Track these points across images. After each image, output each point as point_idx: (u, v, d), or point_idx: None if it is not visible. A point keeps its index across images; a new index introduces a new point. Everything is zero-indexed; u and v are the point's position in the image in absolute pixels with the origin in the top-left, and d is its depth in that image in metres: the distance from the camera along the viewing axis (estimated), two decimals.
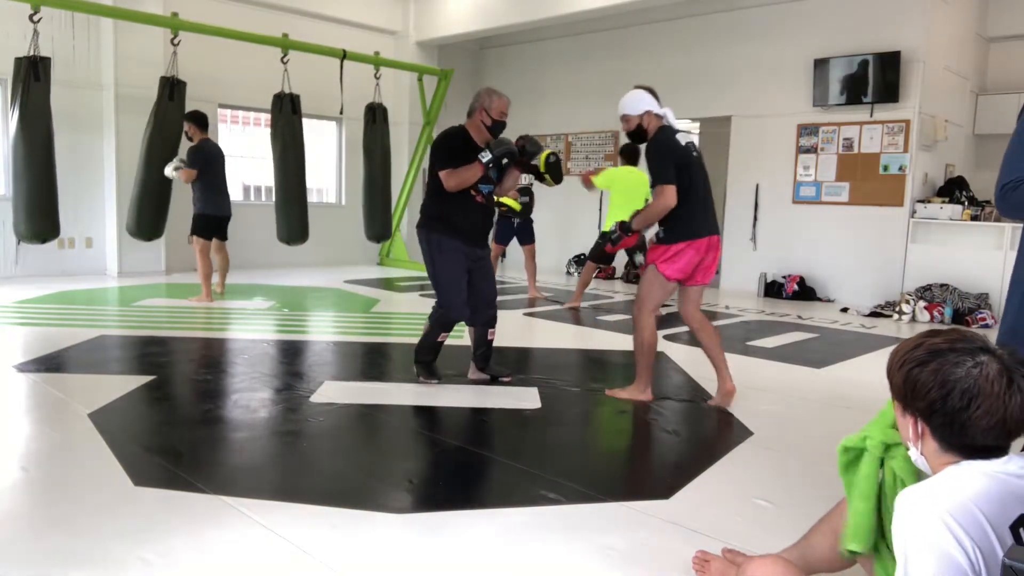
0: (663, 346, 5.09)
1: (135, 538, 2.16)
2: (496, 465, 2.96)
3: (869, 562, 1.63)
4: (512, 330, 5.79)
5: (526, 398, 3.85)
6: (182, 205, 7.35)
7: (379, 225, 8.96)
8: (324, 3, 9.78)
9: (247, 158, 9.60)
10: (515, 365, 4.55)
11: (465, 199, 3.91)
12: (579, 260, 9.94)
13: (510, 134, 4.00)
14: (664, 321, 5.98)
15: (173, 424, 3.36)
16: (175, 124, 7.02)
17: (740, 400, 3.88)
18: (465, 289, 3.98)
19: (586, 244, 7.23)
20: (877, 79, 7.72)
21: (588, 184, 6.63)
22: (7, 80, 6.87)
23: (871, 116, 7.90)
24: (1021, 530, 1.19)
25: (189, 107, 6.92)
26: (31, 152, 6.40)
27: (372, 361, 4.88)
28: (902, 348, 1.37)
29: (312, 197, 9.55)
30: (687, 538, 2.28)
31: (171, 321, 5.76)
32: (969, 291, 7.23)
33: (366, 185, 8.87)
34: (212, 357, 4.74)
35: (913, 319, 7.13)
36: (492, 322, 4.12)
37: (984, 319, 6.91)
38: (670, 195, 3.56)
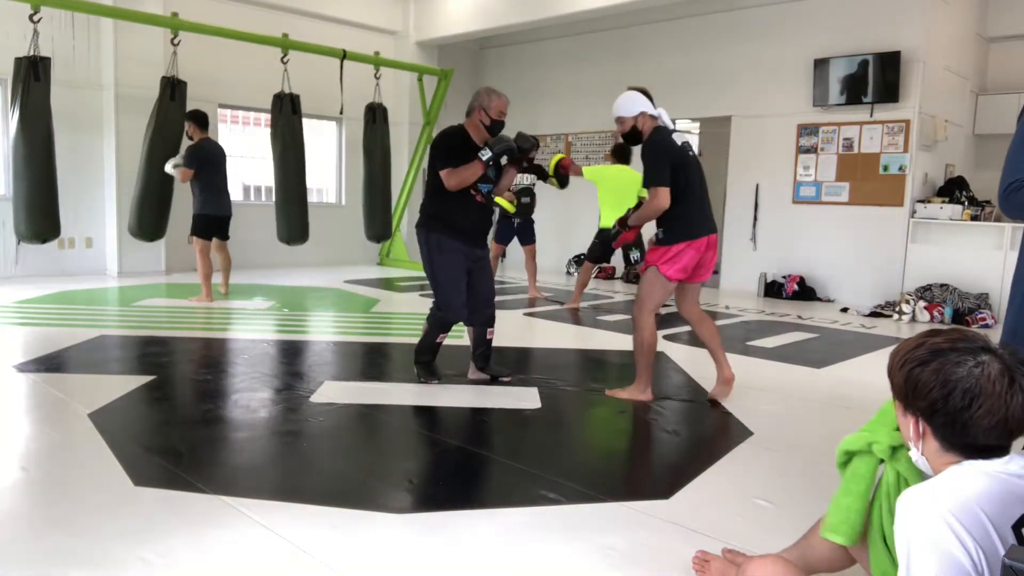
0: (663, 346, 5.09)
1: (135, 538, 2.16)
2: (496, 465, 2.96)
3: (867, 560, 1.63)
4: (512, 330, 5.79)
5: (526, 398, 3.85)
6: (182, 205, 7.35)
7: (379, 225, 8.96)
8: (324, 3, 9.78)
9: (247, 158, 9.60)
10: (515, 365, 4.55)
11: (465, 199, 3.91)
12: (579, 260, 9.94)
13: (508, 133, 4.00)
14: (664, 321, 5.98)
15: (173, 424, 3.36)
16: (176, 124, 7.02)
17: (740, 400, 3.89)
18: (464, 290, 3.98)
19: (586, 244, 7.23)
20: (877, 79, 7.72)
21: (577, 171, 6.59)
22: (7, 80, 6.87)
23: (871, 116, 7.90)
24: (1023, 530, 1.19)
25: (189, 107, 6.92)
26: (31, 152, 6.40)
27: (372, 361, 4.88)
28: (903, 348, 1.37)
29: (312, 197, 9.55)
30: (687, 538, 2.28)
31: (171, 321, 5.76)
32: (969, 291, 7.23)
33: (366, 185, 8.87)
34: (212, 357, 4.73)
35: (913, 319, 7.13)
36: (491, 321, 4.12)
37: (984, 319, 6.91)
38: (664, 197, 3.59)
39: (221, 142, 7.19)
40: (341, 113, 8.98)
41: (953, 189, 7.86)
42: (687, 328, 5.66)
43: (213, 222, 6.62)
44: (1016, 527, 1.19)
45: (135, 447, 2.97)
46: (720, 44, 9.05)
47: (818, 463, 2.95)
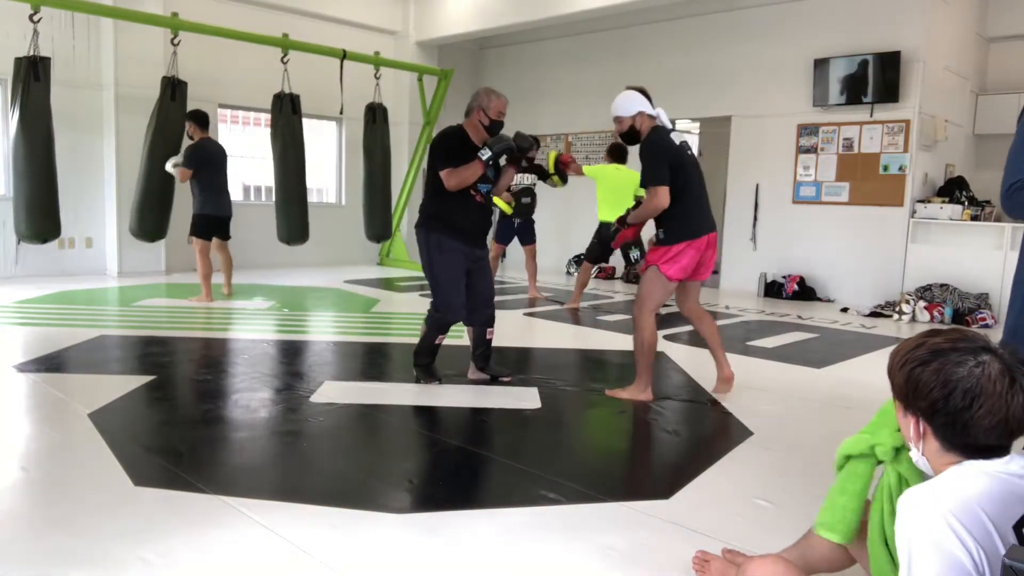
0: (663, 346, 5.09)
1: (135, 538, 2.16)
2: (496, 465, 2.96)
3: (867, 560, 1.63)
4: (512, 330, 5.79)
5: (526, 398, 3.85)
6: (182, 205, 7.35)
7: (379, 225, 8.96)
8: (324, 3, 9.78)
9: (247, 158, 9.60)
10: (515, 365, 4.55)
11: (465, 199, 3.91)
12: (579, 260, 9.93)
13: (507, 133, 4.00)
14: (664, 321, 5.98)
15: (173, 424, 3.36)
16: (177, 124, 7.02)
17: (740, 400, 3.89)
18: (464, 290, 3.98)
19: (586, 244, 7.23)
20: (877, 79, 7.72)
21: (578, 169, 6.61)
22: (7, 80, 6.86)
23: (871, 116, 7.90)
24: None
25: (189, 107, 6.92)
26: (32, 152, 6.40)
27: (372, 361, 4.87)
28: (903, 348, 1.37)
29: (312, 197, 9.55)
30: (687, 538, 2.28)
31: (171, 321, 5.76)
32: (969, 291, 7.23)
33: (366, 185, 8.87)
34: (212, 357, 4.73)
35: (913, 319, 7.13)
36: (491, 321, 4.11)
37: (984, 319, 6.91)
38: (663, 196, 3.59)
39: (221, 142, 7.19)
40: (341, 113, 8.98)
41: (953, 189, 7.86)
42: (687, 328, 5.67)
43: (212, 222, 6.62)
44: (1017, 527, 1.18)
45: (135, 447, 2.97)
46: (720, 44, 9.04)
47: (818, 463, 2.95)
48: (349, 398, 3.75)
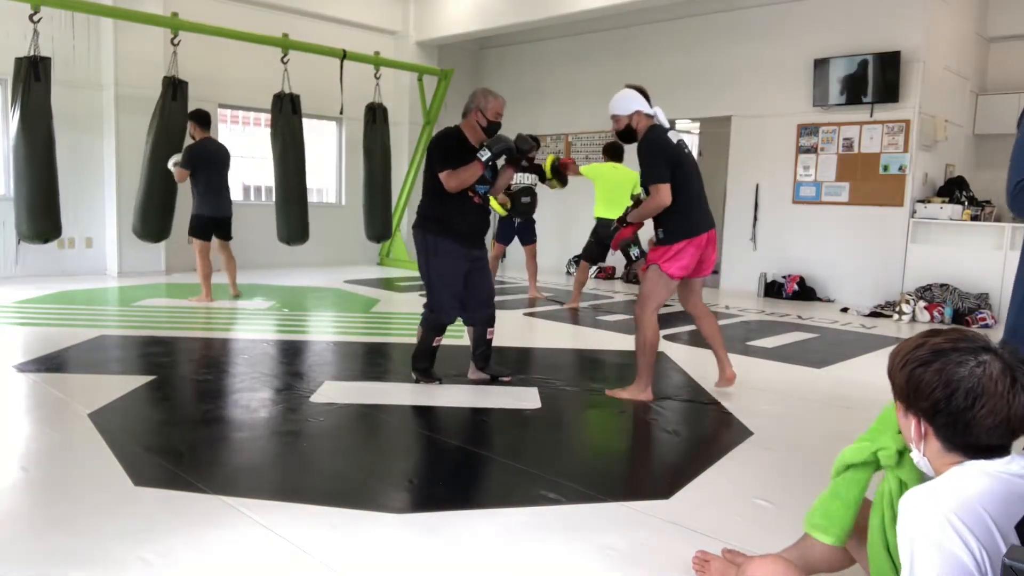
0: (663, 346, 5.08)
1: (135, 538, 2.16)
2: (496, 465, 2.96)
3: (867, 560, 1.63)
4: (512, 330, 5.79)
5: (526, 398, 3.84)
6: (183, 205, 7.34)
7: (379, 225, 8.96)
8: (324, 3, 9.78)
9: (247, 158, 9.59)
10: (515, 365, 4.55)
11: (463, 200, 3.91)
12: (579, 260, 9.93)
13: (507, 134, 3.99)
14: (664, 321, 5.98)
15: (173, 424, 3.36)
16: (178, 124, 7.02)
17: (740, 400, 3.89)
18: (459, 291, 3.97)
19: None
20: (877, 79, 7.72)
21: (575, 170, 6.61)
22: (7, 80, 6.86)
23: (871, 116, 7.90)
24: None
25: (189, 107, 6.91)
26: (32, 152, 6.41)
27: (372, 361, 4.87)
28: (904, 348, 1.36)
29: (312, 197, 9.55)
30: (687, 538, 2.28)
31: (171, 321, 5.76)
32: (969, 291, 7.23)
33: (366, 185, 8.87)
34: (212, 357, 4.73)
35: (913, 319, 7.13)
36: (490, 321, 4.11)
37: (984, 319, 6.91)
38: (665, 194, 3.59)
39: (221, 142, 7.18)
40: (341, 113, 8.98)
41: (953, 189, 7.86)
42: (688, 328, 5.67)
43: (210, 223, 6.59)
44: (1019, 527, 1.18)
45: (135, 447, 2.97)
46: (720, 44, 9.04)
47: (818, 463, 2.94)
48: (349, 398, 3.75)
